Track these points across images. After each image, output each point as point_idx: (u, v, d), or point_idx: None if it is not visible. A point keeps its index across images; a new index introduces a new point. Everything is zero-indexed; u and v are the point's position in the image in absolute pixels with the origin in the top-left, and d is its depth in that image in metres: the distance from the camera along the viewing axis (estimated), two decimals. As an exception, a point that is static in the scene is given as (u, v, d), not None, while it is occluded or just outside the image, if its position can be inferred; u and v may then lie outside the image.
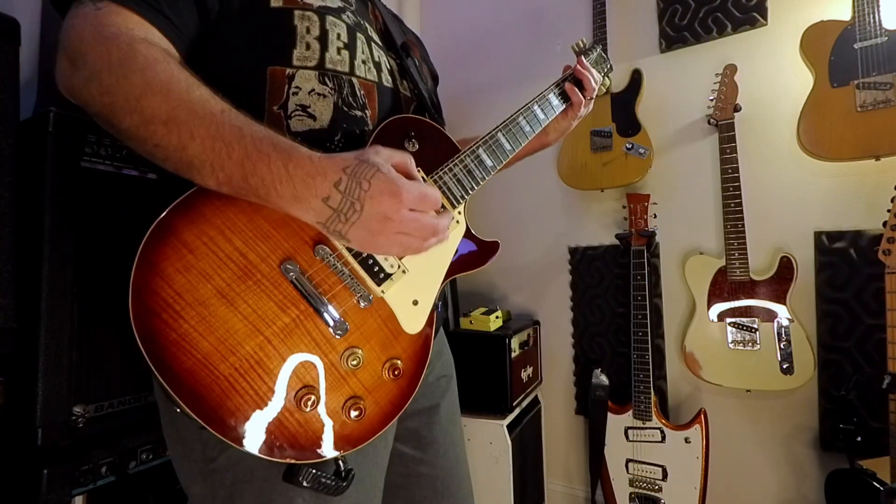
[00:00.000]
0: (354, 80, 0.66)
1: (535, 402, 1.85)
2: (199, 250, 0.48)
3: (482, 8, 2.15)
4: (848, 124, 1.31)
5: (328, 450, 0.52)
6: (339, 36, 0.65)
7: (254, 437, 0.47)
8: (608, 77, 1.00)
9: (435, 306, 0.64)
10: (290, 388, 0.50)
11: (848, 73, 1.32)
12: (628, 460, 1.59)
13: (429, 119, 0.71)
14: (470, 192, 0.68)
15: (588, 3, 1.80)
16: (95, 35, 0.49)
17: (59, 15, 0.57)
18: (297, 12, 0.62)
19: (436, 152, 0.67)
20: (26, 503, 0.77)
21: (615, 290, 1.81)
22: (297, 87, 0.61)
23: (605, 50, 0.99)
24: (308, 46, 0.62)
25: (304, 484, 0.51)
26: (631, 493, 1.58)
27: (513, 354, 1.62)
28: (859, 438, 1.27)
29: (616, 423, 1.61)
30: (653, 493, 1.54)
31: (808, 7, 1.47)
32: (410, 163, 0.57)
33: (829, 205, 1.47)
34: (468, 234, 0.68)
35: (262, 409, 0.48)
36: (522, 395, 1.70)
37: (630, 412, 1.58)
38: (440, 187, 0.65)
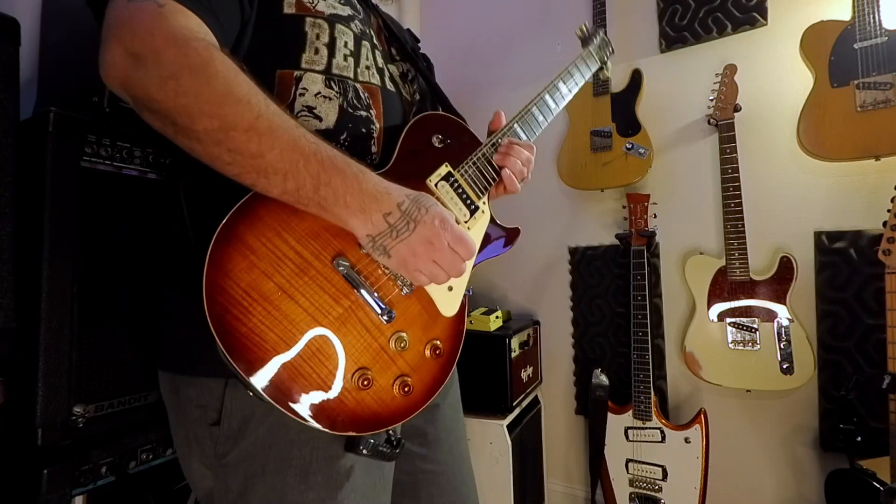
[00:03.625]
0: (358, 85, 0.69)
1: (535, 402, 1.85)
2: (259, 251, 0.53)
3: (481, 8, 2.15)
4: (848, 124, 1.31)
5: (382, 423, 0.57)
6: (346, 44, 0.68)
7: (319, 414, 0.53)
8: (606, 66, 1.02)
9: (467, 291, 0.70)
10: (347, 370, 0.55)
11: (848, 73, 1.32)
12: (628, 460, 1.59)
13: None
14: (492, 181, 0.74)
15: (588, 3, 1.80)
16: (169, 35, 0.50)
17: (91, 9, 0.59)
18: (308, 19, 0.65)
19: (461, 147, 0.73)
20: (26, 503, 0.77)
21: (615, 290, 1.81)
22: (303, 89, 0.64)
23: (605, 33, 1.03)
24: (317, 51, 0.65)
25: (364, 452, 0.58)
26: (631, 493, 1.58)
27: (513, 354, 1.62)
28: (859, 438, 1.27)
29: (616, 423, 1.61)
30: (653, 493, 1.54)
31: (808, 7, 1.47)
32: (454, 217, 0.62)
33: (829, 205, 1.47)
34: (492, 222, 0.74)
35: (324, 389, 0.53)
36: (522, 395, 1.70)
37: (630, 412, 1.58)
38: (466, 180, 0.70)
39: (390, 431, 0.62)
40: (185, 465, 0.64)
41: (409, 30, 0.97)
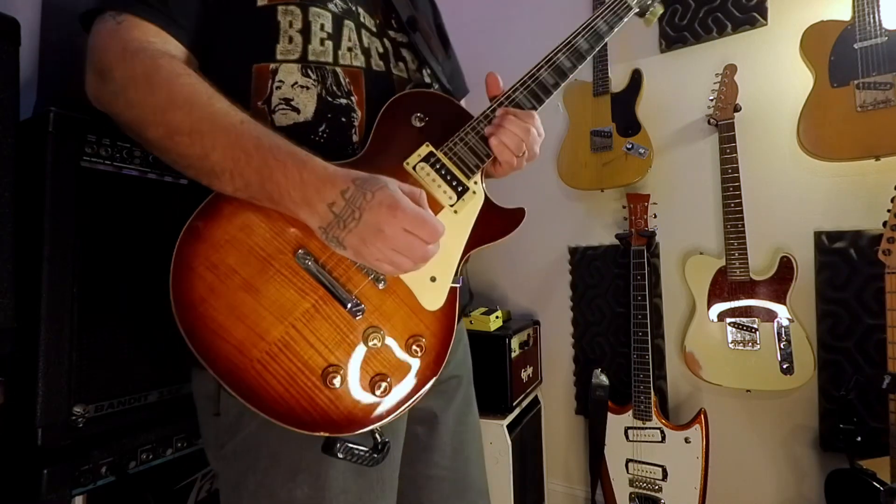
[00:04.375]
0: (338, 69, 0.65)
1: (535, 402, 1.85)
2: (223, 249, 0.53)
3: (480, 7, 2.15)
4: (848, 124, 1.31)
5: (359, 424, 0.55)
6: (322, 27, 0.65)
7: (289, 413, 0.51)
8: (652, 10, 0.82)
9: (457, 281, 0.63)
10: (316, 368, 0.53)
11: (848, 73, 1.32)
12: (628, 460, 1.59)
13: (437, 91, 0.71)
14: (485, 158, 0.66)
15: (588, 3, 1.80)
16: (120, 51, 0.53)
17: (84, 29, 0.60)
18: (280, 7, 0.63)
19: (446, 123, 0.67)
20: (26, 503, 0.77)
21: (615, 290, 1.81)
22: (280, 81, 0.62)
23: None
24: (291, 40, 0.63)
25: (339, 456, 0.54)
26: (631, 493, 1.58)
27: (513, 354, 1.62)
28: (859, 438, 1.27)
29: (616, 423, 1.61)
30: (653, 494, 1.54)
31: (808, 7, 1.47)
32: (421, 195, 0.57)
33: (829, 205, 1.47)
34: (488, 204, 0.67)
35: (294, 388, 0.52)
36: (522, 395, 1.70)
37: (630, 412, 1.58)
38: (451, 159, 0.65)
39: (376, 435, 0.58)
40: (207, 452, 0.67)
41: None
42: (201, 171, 0.53)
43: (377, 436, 0.58)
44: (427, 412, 0.77)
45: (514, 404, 1.62)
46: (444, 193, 0.64)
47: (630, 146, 1.64)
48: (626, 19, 0.79)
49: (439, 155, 0.64)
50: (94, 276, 0.87)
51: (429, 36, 0.80)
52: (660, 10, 0.84)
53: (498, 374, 1.59)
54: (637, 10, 0.80)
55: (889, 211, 1.21)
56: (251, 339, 0.52)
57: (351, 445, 0.55)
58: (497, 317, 1.73)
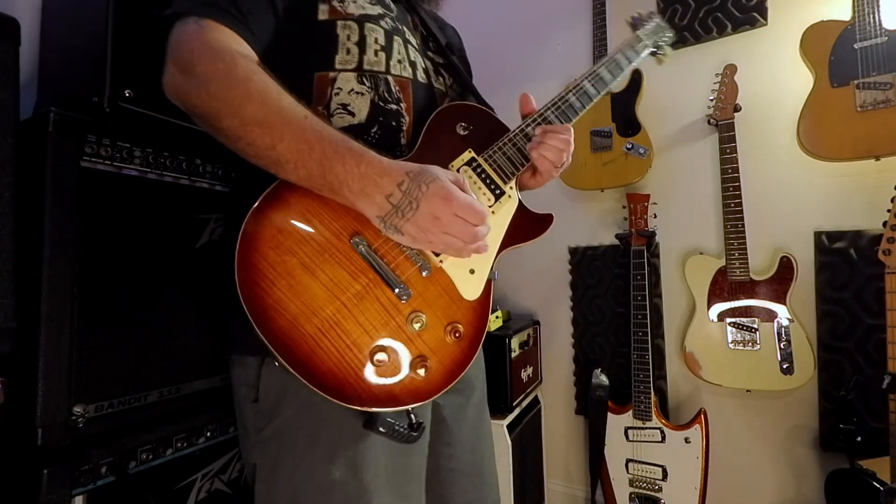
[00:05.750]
0: (389, 77, 0.72)
1: (535, 402, 1.85)
2: (285, 230, 0.58)
3: (481, 7, 2.15)
4: (848, 124, 1.31)
5: (399, 402, 0.58)
6: (376, 40, 0.72)
7: (335, 387, 0.55)
8: (663, 49, 0.97)
9: (492, 275, 0.69)
10: (364, 346, 0.57)
11: (848, 73, 1.32)
12: (628, 460, 1.59)
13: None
14: (520, 167, 0.73)
15: (588, 3, 1.80)
16: (204, 49, 0.59)
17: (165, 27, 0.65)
18: (339, 22, 0.70)
19: (487, 133, 0.74)
20: (26, 503, 0.77)
21: (615, 290, 1.81)
22: (338, 89, 0.68)
23: (665, 20, 0.97)
24: (348, 51, 0.69)
25: (381, 430, 0.59)
26: (631, 493, 1.58)
27: (513, 354, 1.62)
28: (859, 438, 1.27)
29: (616, 423, 1.61)
30: (653, 494, 1.54)
31: (808, 7, 1.47)
32: (465, 182, 0.63)
33: (829, 205, 1.47)
34: (521, 208, 0.73)
35: (341, 363, 0.56)
36: (522, 395, 1.70)
37: (630, 412, 1.58)
38: (491, 165, 0.71)
39: (412, 415, 0.63)
40: (241, 443, 0.69)
41: (453, 28, 1.02)
42: (269, 161, 0.57)
43: (412, 416, 0.62)
44: (449, 409, 0.81)
45: (514, 404, 1.62)
46: (483, 195, 0.70)
47: (630, 146, 1.64)
48: (642, 55, 0.91)
49: (480, 160, 0.71)
50: (94, 276, 0.87)
51: (461, 60, 0.88)
52: (670, 52, 0.97)
53: (498, 374, 1.59)
54: (652, 48, 0.93)
55: (889, 211, 1.21)
56: (305, 314, 0.56)
57: (391, 421, 0.59)
58: (497, 317, 1.73)
